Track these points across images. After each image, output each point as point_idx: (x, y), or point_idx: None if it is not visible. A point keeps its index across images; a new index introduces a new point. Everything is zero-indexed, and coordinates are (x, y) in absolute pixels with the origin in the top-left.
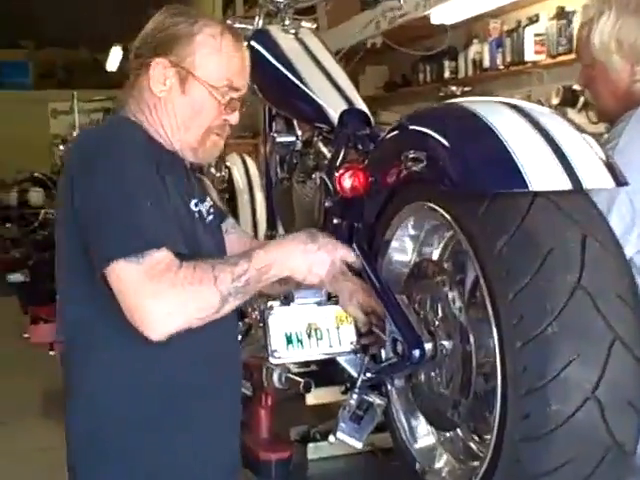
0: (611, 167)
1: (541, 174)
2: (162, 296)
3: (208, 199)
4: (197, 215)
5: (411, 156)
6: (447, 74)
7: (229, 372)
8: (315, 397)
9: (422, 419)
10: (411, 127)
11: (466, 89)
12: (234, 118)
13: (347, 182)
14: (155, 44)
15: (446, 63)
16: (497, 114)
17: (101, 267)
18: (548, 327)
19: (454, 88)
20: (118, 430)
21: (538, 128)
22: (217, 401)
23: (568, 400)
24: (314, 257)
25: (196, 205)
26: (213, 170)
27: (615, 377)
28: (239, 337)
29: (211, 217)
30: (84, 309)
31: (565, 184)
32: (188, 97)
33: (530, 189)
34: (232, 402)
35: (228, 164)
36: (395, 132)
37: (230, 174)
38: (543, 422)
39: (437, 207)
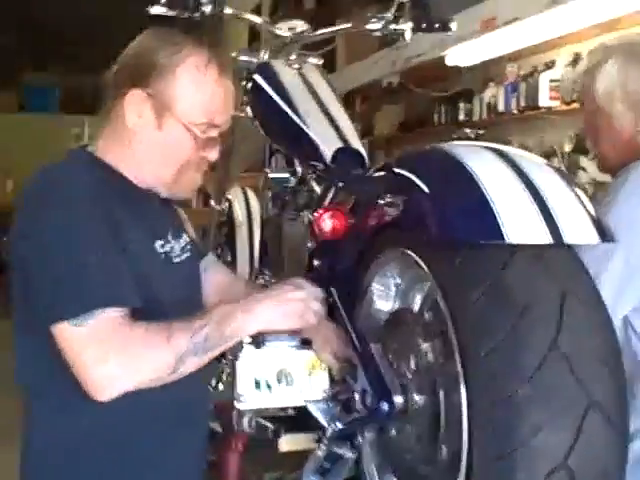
0: (598, 222)
1: (520, 226)
2: (109, 359)
3: (184, 236)
4: (163, 256)
5: (388, 200)
6: (462, 116)
7: (192, 420)
8: (289, 443)
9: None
10: (392, 170)
11: (480, 132)
12: (213, 155)
13: (326, 224)
14: (133, 72)
15: (461, 105)
16: (480, 161)
17: (46, 326)
18: (519, 390)
19: (468, 130)
20: None
21: (522, 178)
22: (178, 450)
23: (536, 469)
24: (285, 296)
25: (163, 245)
26: (213, 203)
27: (589, 445)
28: (210, 380)
29: (186, 255)
30: (33, 365)
31: (546, 237)
32: (164, 133)
33: (507, 241)
34: (195, 448)
35: (229, 197)
36: (377, 174)
37: (230, 207)
38: None
39: (413, 254)
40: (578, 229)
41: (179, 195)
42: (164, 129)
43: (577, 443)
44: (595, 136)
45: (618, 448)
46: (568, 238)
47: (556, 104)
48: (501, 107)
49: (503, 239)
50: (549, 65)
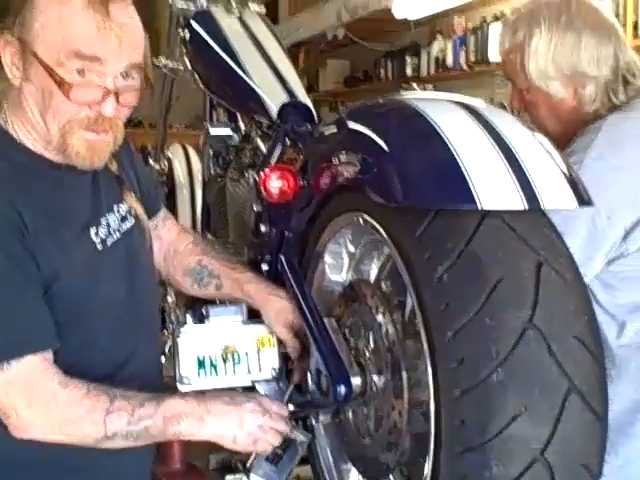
0: (574, 184)
1: (493, 190)
2: (32, 409)
3: (123, 204)
4: (100, 246)
5: (344, 159)
6: (409, 71)
7: None
8: None
9: None
10: (345, 125)
11: (428, 87)
12: (107, 108)
13: (274, 185)
14: (5, 13)
15: (408, 60)
16: (445, 115)
17: None
18: (492, 373)
19: (415, 86)
20: None
21: (492, 135)
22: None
23: (512, 462)
24: (245, 416)
25: (97, 233)
26: (152, 161)
27: (569, 435)
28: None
29: (129, 224)
30: None
31: (521, 203)
32: (34, 83)
33: (479, 207)
34: None
35: (169, 155)
36: (330, 130)
37: (170, 166)
38: None
39: (372, 220)
40: (555, 193)
41: (80, 163)
42: (32, 77)
43: (556, 433)
44: (535, 112)
45: (598, 438)
46: (544, 203)
47: None
48: (449, 62)
49: (475, 205)
50: (498, 17)
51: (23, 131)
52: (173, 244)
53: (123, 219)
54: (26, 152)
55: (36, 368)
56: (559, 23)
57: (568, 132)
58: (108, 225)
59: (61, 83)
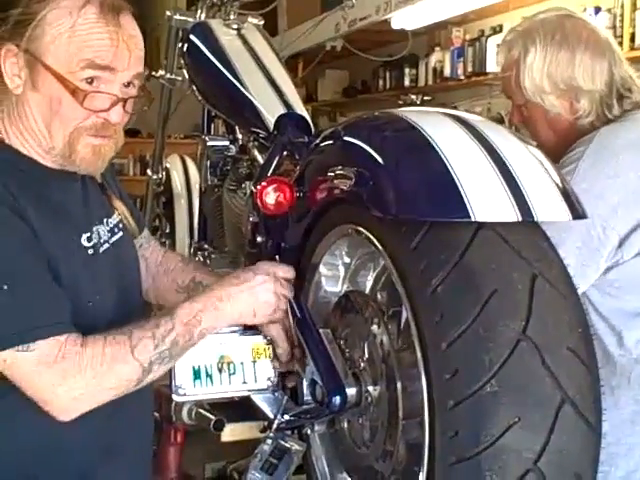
0: (568, 196)
1: (486, 202)
2: (67, 381)
3: (114, 215)
4: (91, 251)
5: (339, 172)
6: (407, 82)
7: (137, 423)
8: (232, 433)
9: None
10: (342, 138)
11: (426, 98)
12: (114, 114)
13: (270, 197)
14: (11, 28)
15: (406, 70)
16: (440, 128)
17: None
18: (486, 384)
19: (414, 96)
20: None
21: (486, 147)
22: (122, 457)
23: (505, 472)
24: (257, 289)
25: (89, 238)
26: (149, 171)
27: (562, 445)
28: None
29: (116, 236)
30: None
31: (514, 215)
32: (42, 91)
33: (473, 219)
34: (141, 435)
35: (167, 165)
36: (326, 143)
37: (168, 176)
38: None
39: (367, 232)
40: (548, 205)
41: (83, 168)
42: (40, 86)
43: (549, 444)
44: (533, 127)
45: (592, 448)
46: (538, 215)
47: None
48: (447, 72)
49: (469, 217)
50: (496, 30)
51: (20, 139)
52: (162, 265)
53: (112, 231)
54: (18, 155)
55: (59, 340)
56: (553, 40)
57: (566, 146)
58: (99, 234)
59: (75, 91)
